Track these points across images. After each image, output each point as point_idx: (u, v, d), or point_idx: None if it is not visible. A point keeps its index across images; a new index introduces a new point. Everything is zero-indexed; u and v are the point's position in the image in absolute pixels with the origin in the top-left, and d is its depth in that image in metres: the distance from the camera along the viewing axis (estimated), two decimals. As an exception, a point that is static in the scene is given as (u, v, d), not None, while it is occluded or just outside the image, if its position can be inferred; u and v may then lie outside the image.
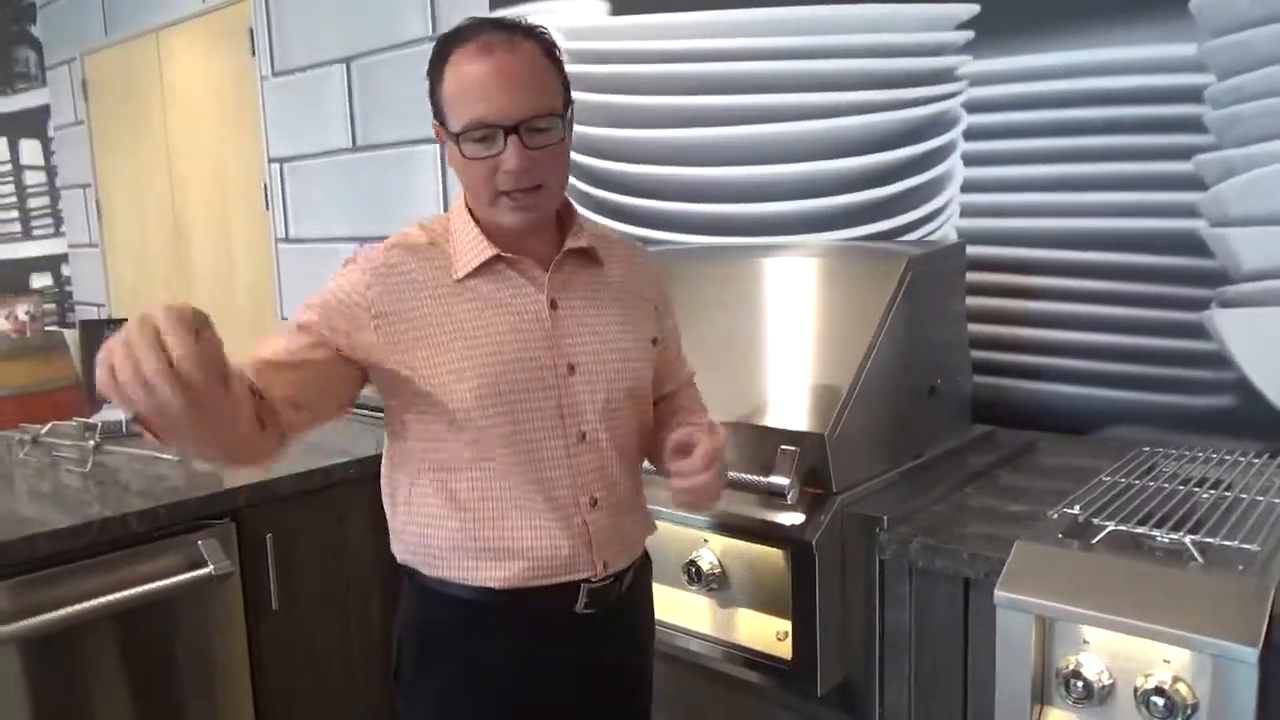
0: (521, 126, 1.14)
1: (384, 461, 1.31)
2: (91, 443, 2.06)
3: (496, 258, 1.22)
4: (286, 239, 3.89)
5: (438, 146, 3.20)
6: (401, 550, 1.30)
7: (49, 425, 2.17)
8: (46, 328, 4.75)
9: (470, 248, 1.23)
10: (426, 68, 1.21)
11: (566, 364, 1.23)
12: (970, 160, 2.08)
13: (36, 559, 1.60)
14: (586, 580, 1.25)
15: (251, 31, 3.84)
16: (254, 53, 3.85)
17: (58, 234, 5.38)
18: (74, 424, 2.16)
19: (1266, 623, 1.09)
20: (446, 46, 1.18)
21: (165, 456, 2.04)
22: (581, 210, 1.34)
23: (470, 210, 1.25)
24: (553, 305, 1.24)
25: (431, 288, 1.21)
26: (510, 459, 1.21)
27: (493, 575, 1.22)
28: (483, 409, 1.19)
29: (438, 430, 1.21)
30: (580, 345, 1.25)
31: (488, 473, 1.21)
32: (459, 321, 1.20)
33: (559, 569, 1.23)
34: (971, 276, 1.95)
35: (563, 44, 1.26)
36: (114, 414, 2.29)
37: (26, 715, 1.62)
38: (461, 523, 1.22)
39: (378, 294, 1.19)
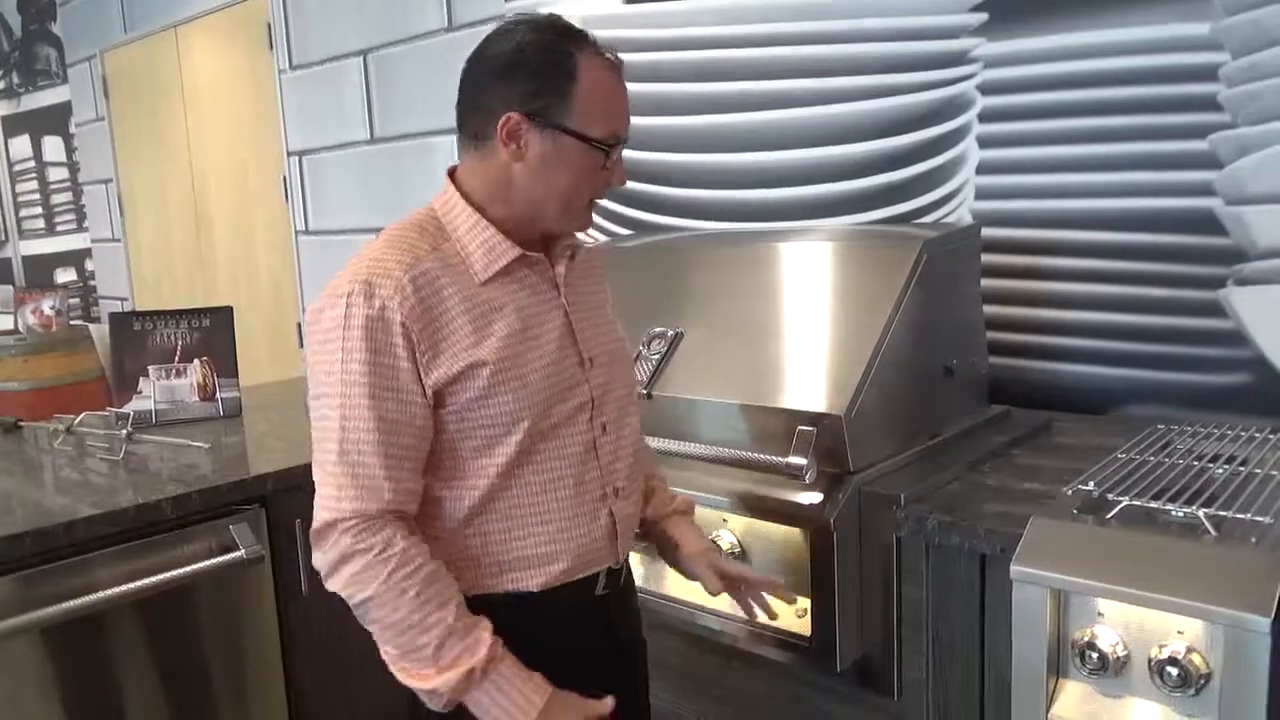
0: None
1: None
2: (124, 432, 2.11)
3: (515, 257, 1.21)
4: (306, 231, 3.93)
5: (454, 138, 3.22)
6: None
7: (81, 416, 2.21)
8: (71, 322, 4.83)
9: (491, 248, 1.19)
10: (535, 48, 1.16)
11: (587, 358, 1.25)
12: (985, 142, 2.08)
13: (75, 544, 1.64)
14: (608, 567, 1.28)
15: (269, 26, 3.87)
16: (271, 47, 3.89)
17: (80, 229, 5.44)
18: (106, 414, 2.20)
19: (1279, 593, 1.10)
20: (567, 42, 1.16)
21: (194, 444, 2.09)
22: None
23: (479, 209, 1.21)
24: (567, 301, 1.27)
25: (463, 295, 1.17)
26: (552, 459, 1.21)
27: (533, 580, 1.22)
28: (531, 409, 1.18)
29: (482, 441, 1.18)
30: (593, 339, 1.28)
31: (530, 476, 1.20)
32: (498, 324, 1.18)
33: (591, 562, 1.25)
34: (987, 258, 1.96)
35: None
36: (144, 404, 2.34)
37: (64, 697, 1.66)
38: (507, 534, 1.21)
39: (415, 322, 1.13)
